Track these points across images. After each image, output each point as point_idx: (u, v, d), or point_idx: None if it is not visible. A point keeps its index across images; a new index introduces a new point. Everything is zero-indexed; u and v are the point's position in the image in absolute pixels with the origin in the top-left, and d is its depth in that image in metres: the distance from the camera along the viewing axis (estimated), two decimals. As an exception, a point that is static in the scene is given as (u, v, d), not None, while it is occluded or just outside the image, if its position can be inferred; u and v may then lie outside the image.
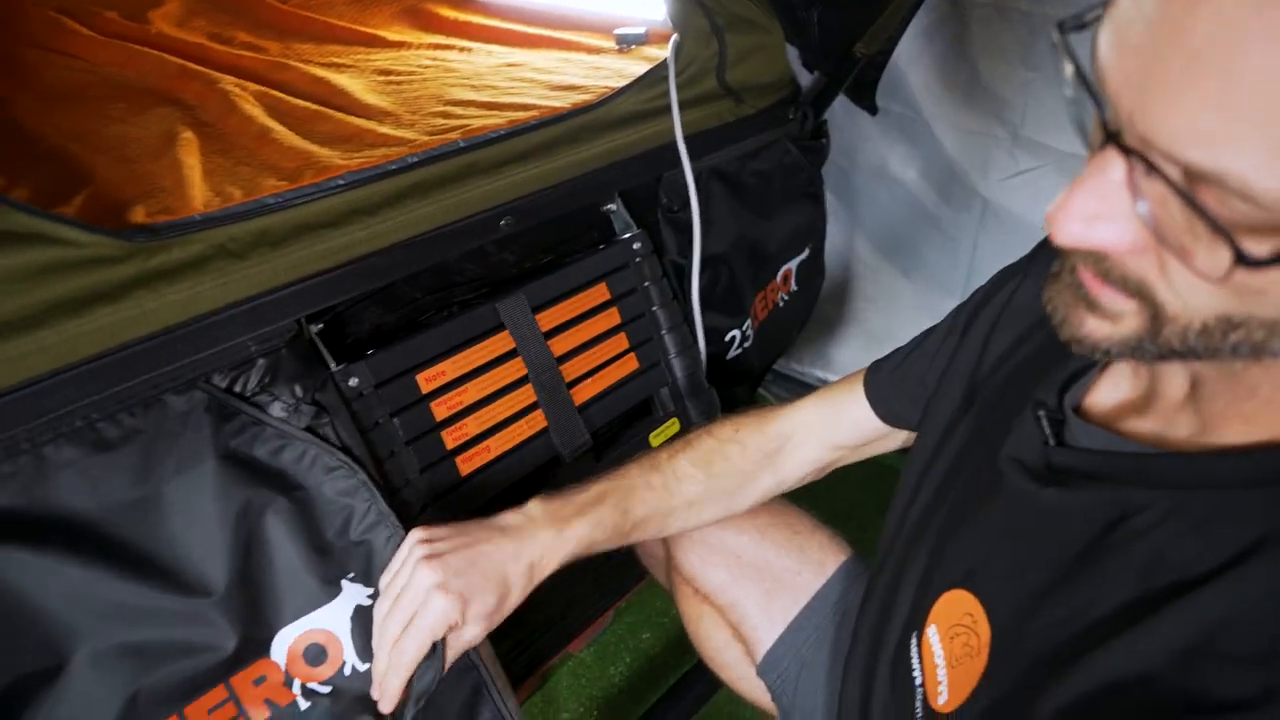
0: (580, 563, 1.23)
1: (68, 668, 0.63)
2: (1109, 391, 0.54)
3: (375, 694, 0.69)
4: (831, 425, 0.82)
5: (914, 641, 0.59)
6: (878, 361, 0.80)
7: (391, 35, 1.34)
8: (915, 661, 0.59)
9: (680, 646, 1.38)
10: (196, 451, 0.71)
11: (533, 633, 1.20)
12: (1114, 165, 0.38)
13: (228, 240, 0.73)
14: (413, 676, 0.67)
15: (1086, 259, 0.42)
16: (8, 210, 0.64)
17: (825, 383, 1.82)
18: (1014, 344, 0.64)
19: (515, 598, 0.70)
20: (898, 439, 0.81)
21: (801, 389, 1.88)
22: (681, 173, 1.07)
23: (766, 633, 0.89)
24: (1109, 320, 0.43)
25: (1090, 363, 0.56)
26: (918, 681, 0.58)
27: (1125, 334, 0.42)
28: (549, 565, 0.72)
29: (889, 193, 1.50)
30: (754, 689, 0.94)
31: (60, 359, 0.65)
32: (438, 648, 0.67)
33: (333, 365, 0.80)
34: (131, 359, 0.68)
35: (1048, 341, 0.61)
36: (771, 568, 0.90)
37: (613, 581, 1.35)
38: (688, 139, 1.05)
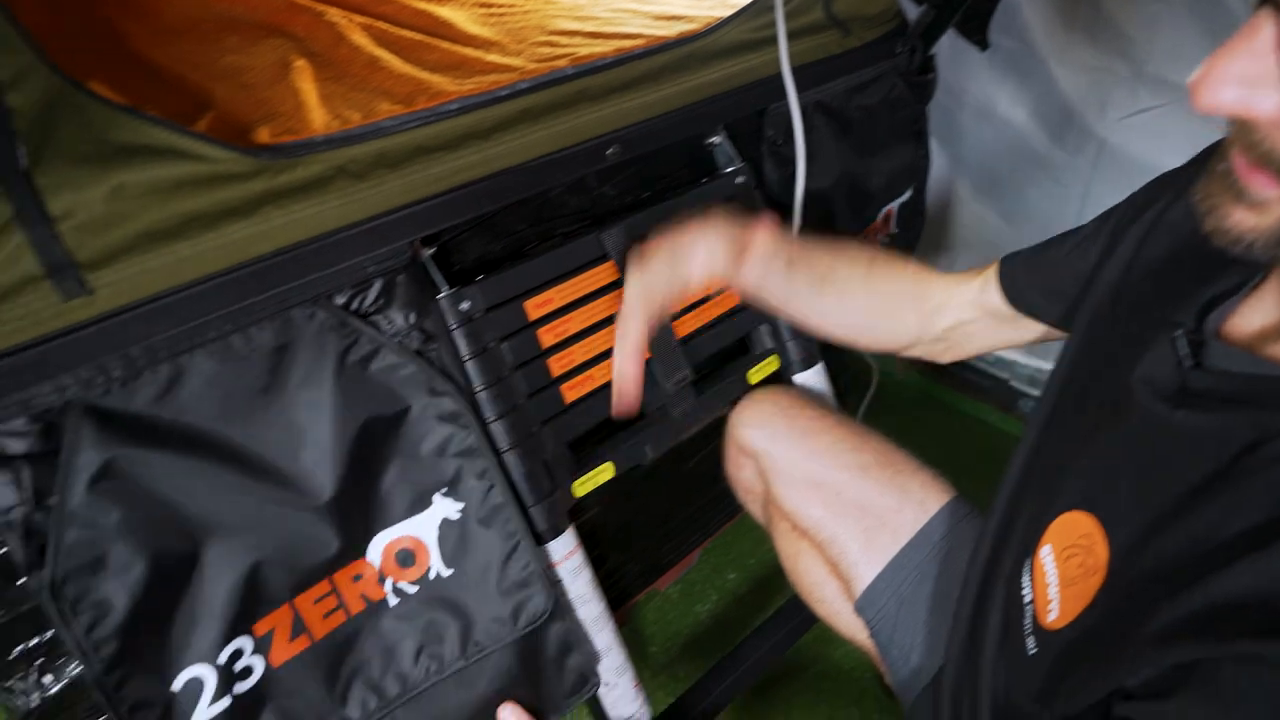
0: (672, 498, 1.24)
1: (202, 558, 0.67)
2: (1254, 316, 0.53)
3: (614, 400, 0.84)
4: (979, 299, 0.82)
5: (1027, 562, 0.59)
6: (1013, 252, 0.81)
7: (489, -30, 1.33)
8: (1026, 581, 0.59)
9: (766, 588, 1.38)
10: (318, 366, 0.73)
11: (623, 566, 1.22)
12: (1266, 27, 0.37)
13: (348, 161, 0.74)
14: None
15: (1237, 138, 0.42)
16: (147, 125, 0.66)
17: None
18: (1159, 262, 0.62)
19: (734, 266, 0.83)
20: (1022, 331, 0.81)
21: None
22: (786, 105, 1.04)
23: (866, 569, 0.88)
24: (1255, 211, 0.43)
25: (1234, 286, 0.54)
26: (1027, 599, 0.58)
27: (1270, 224, 0.42)
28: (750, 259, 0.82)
29: (995, 133, 1.44)
30: (850, 625, 0.94)
31: (196, 271, 0.67)
32: None
33: (445, 289, 0.81)
34: (260, 274, 0.70)
35: (1192, 262, 0.59)
36: (873, 505, 0.89)
37: (700, 521, 1.35)
38: (794, 71, 1.02)
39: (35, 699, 0.73)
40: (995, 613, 0.63)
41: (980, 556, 0.68)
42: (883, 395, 1.66)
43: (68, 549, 0.62)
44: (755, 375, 1.04)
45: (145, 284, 0.65)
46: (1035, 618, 0.56)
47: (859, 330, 0.88)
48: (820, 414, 0.98)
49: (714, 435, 1.10)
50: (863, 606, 0.89)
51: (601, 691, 0.92)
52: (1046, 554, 0.57)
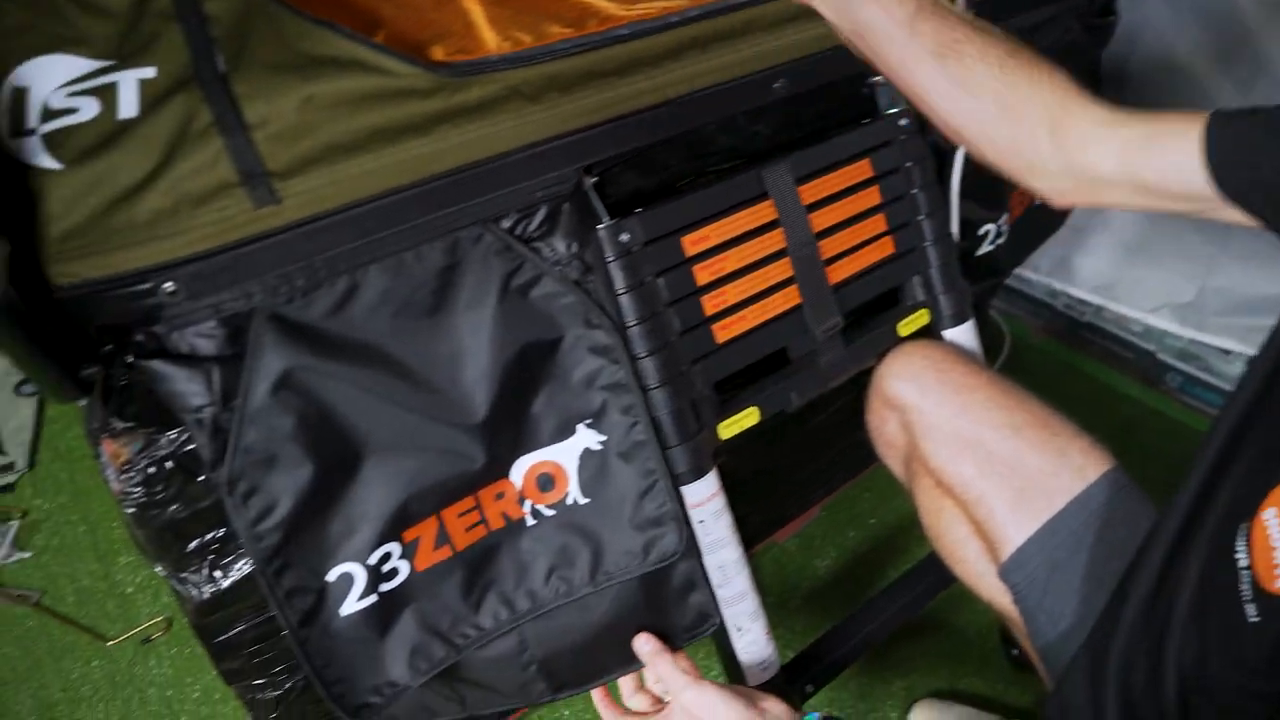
0: (797, 451, 1.22)
1: (363, 466, 0.68)
2: None
3: None
4: (1138, 151, 0.64)
5: (1242, 527, 0.55)
6: (1227, 111, 0.61)
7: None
8: (1242, 546, 0.55)
9: (887, 548, 1.35)
10: (482, 289, 0.73)
11: (745, 515, 1.21)
12: None
13: (521, 83, 0.73)
14: None
15: None
16: (337, 37, 0.66)
17: (1061, 295, 1.70)
18: None
19: None
20: (1203, 210, 0.64)
21: (1030, 303, 1.76)
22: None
23: (1015, 531, 0.85)
24: None
25: None
26: (1243, 564, 0.55)
27: None
28: None
29: (1170, 84, 1.33)
30: (991, 587, 0.91)
31: (377, 186, 0.67)
32: None
33: (605, 219, 0.80)
34: (435, 192, 0.70)
35: None
36: (1026, 467, 0.85)
37: (824, 476, 1.33)
38: (968, 7, 0.96)
39: (207, 591, 0.77)
40: (1188, 581, 0.60)
41: (1169, 524, 0.64)
42: (1015, 361, 1.60)
43: (245, 447, 0.64)
44: (905, 328, 1.00)
45: (329, 196, 0.65)
46: (1256, 582, 0.53)
47: (978, 128, 0.71)
48: (973, 370, 0.94)
49: (843, 391, 1.07)
50: (1009, 569, 0.85)
51: (734, 635, 0.92)
52: (1271, 517, 0.53)
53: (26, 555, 1.38)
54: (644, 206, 0.83)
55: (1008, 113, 0.68)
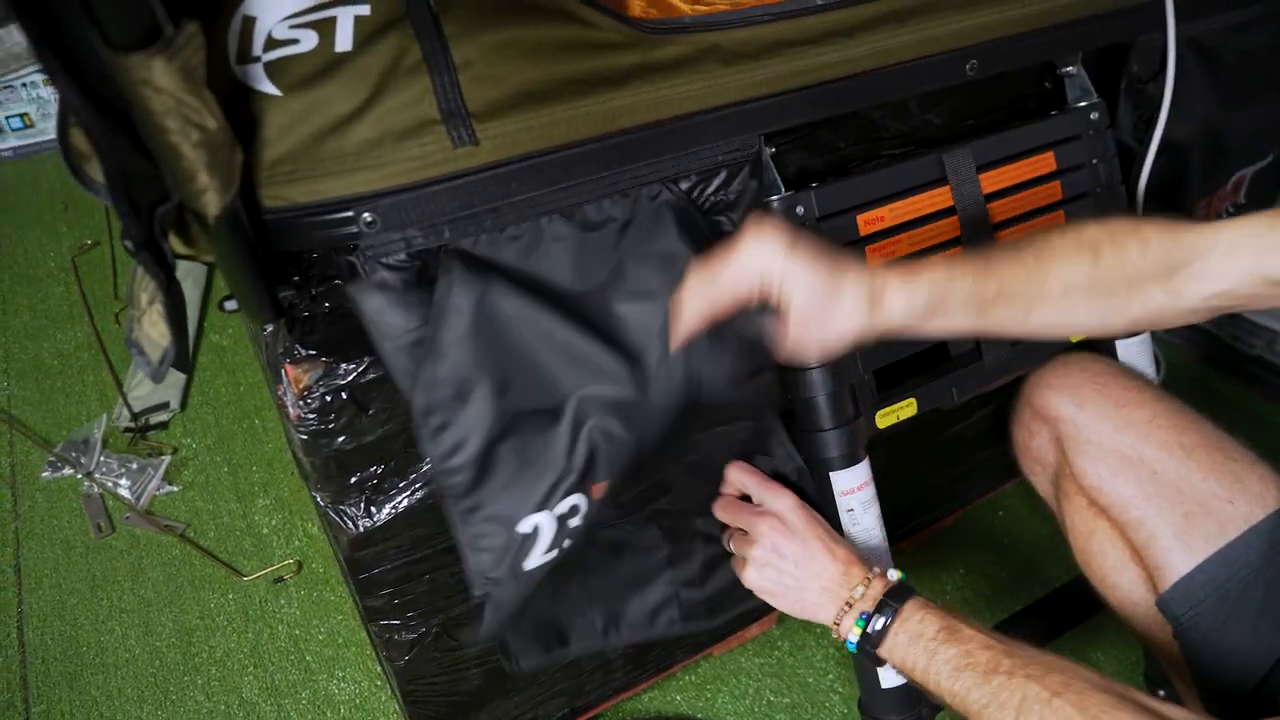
0: (934, 458, 1.18)
1: (563, 412, 0.68)
2: None
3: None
4: (1272, 250, 0.64)
5: None
6: None
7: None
8: None
9: (1020, 572, 1.29)
10: (656, 245, 0.73)
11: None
12: None
13: (714, 46, 0.72)
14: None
15: None
16: (541, -16, 0.67)
17: (1226, 324, 1.59)
18: None
19: (845, 325, 0.65)
20: None
21: (1193, 330, 1.66)
22: (1160, 38, 0.92)
23: (1180, 559, 0.79)
24: None
25: None
26: None
27: None
28: (896, 305, 0.65)
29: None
30: (1148, 618, 0.85)
31: (568, 135, 0.67)
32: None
33: (781, 190, 0.78)
34: (623, 147, 0.69)
35: None
36: (1196, 490, 0.79)
37: (958, 489, 1.28)
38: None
39: (361, 525, 0.78)
40: None
41: None
42: (1169, 389, 1.49)
43: (439, 380, 0.65)
44: (1077, 333, 0.95)
45: (523, 142, 0.66)
46: None
47: (1094, 332, 0.76)
48: (1137, 385, 0.88)
49: (986, 400, 1.01)
50: (1172, 599, 0.79)
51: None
52: None
53: (175, 489, 1.45)
54: (818, 182, 0.82)
55: (1115, 311, 0.68)
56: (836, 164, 0.89)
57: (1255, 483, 0.78)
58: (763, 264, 0.64)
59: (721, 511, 0.82)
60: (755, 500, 0.79)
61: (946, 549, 1.31)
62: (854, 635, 0.71)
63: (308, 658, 1.21)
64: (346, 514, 0.78)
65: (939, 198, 0.86)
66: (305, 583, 1.31)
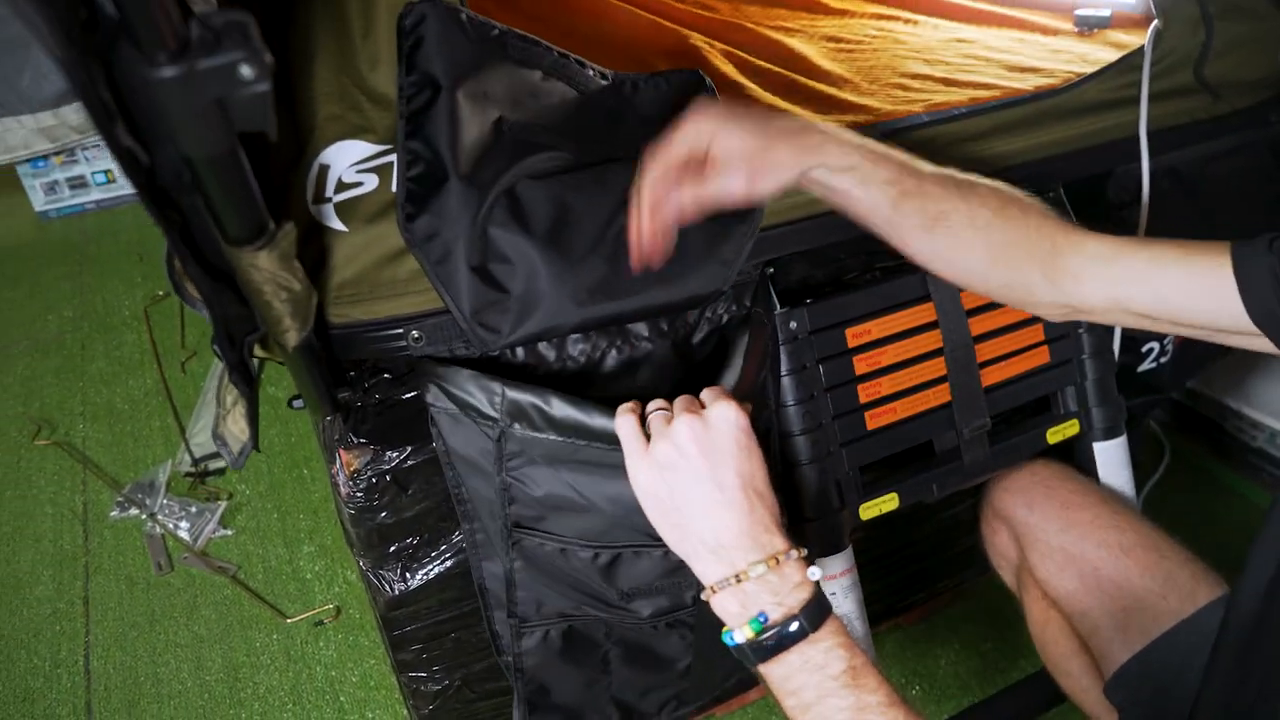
0: (932, 539, 1.25)
1: None
2: None
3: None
4: (1143, 284, 0.67)
5: None
6: (1250, 242, 0.63)
7: (834, 2, 1.39)
8: None
9: (1014, 649, 1.35)
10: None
11: (873, 595, 1.24)
12: None
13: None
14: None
15: None
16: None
17: (1231, 417, 1.64)
18: None
19: (786, 160, 0.67)
20: (1247, 341, 0.65)
21: (1196, 419, 1.71)
22: (1135, 169, 1.01)
23: (1120, 649, 0.86)
24: None
25: None
26: None
27: None
28: (824, 157, 0.68)
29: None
30: (1096, 705, 0.92)
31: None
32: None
33: (778, 308, 0.88)
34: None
35: None
36: (1133, 587, 0.87)
37: (955, 568, 1.35)
38: (1150, 135, 0.99)
39: (397, 588, 0.89)
40: None
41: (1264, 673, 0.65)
42: (1173, 478, 1.56)
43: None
44: (1054, 435, 1.03)
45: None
46: None
47: (975, 279, 0.74)
48: (1082, 489, 0.97)
49: (980, 487, 1.09)
50: (1113, 687, 0.87)
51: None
52: None
53: (229, 533, 1.58)
54: (814, 298, 0.91)
55: (1000, 264, 0.72)
56: (836, 275, 0.99)
57: (1187, 580, 0.86)
58: (699, 127, 0.67)
59: (675, 403, 0.67)
60: (703, 400, 0.66)
61: (943, 624, 1.38)
62: (741, 635, 0.58)
63: (342, 698, 1.32)
64: (385, 578, 0.89)
65: (923, 313, 0.95)
66: (343, 627, 1.42)
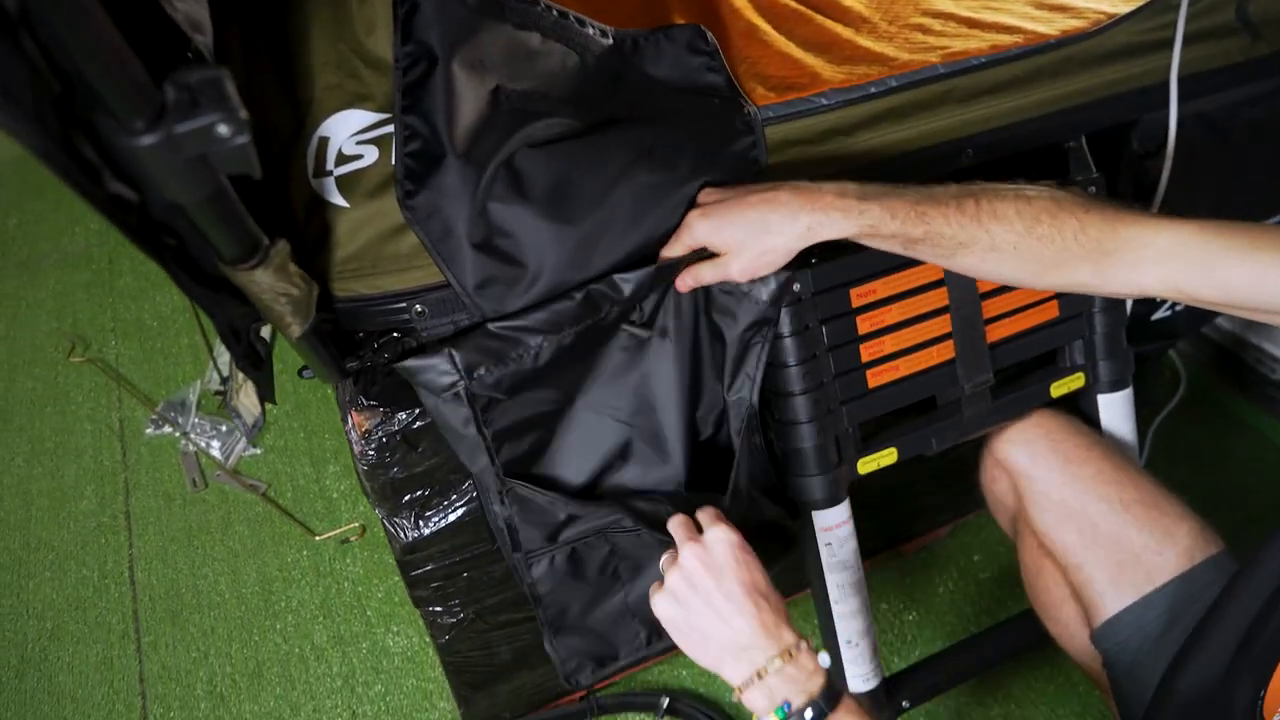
0: (931, 474, 1.28)
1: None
2: None
3: None
4: (1205, 273, 0.69)
5: None
6: None
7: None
8: None
9: (1011, 579, 1.39)
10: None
11: (875, 528, 1.28)
12: None
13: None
14: None
15: None
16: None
17: (1252, 348, 1.63)
18: None
19: (779, 247, 0.75)
20: None
21: (1215, 350, 1.69)
22: (1163, 116, 0.98)
23: (1112, 601, 0.89)
24: None
25: None
26: None
27: None
28: (827, 234, 0.74)
29: None
30: (1082, 651, 0.96)
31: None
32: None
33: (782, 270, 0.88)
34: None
35: None
36: (1130, 542, 0.89)
37: (957, 503, 1.38)
38: (1182, 80, 0.95)
39: (410, 536, 0.94)
40: None
41: (1267, 636, 0.68)
42: (1188, 409, 1.55)
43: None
44: (1058, 389, 1.03)
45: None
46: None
47: (1019, 284, 0.80)
48: (1087, 444, 0.97)
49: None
50: (1101, 636, 0.90)
51: (843, 646, 1.01)
52: None
53: (258, 452, 1.65)
54: (818, 257, 0.91)
55: (1043, 275, 0.75)
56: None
57: (1184, 537, 0.88)
58: (694, 234, 0.76)
59: (672, 527, 0.76)
60: (704, 524, 0.74)
61: (943, 554, 1.43)
62: None
63: (369, 613, 1.41)
64: (399, 525, 0.94)
65: (929, 271, 0.94)
66: (368, 545, 1.50)
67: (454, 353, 0.75)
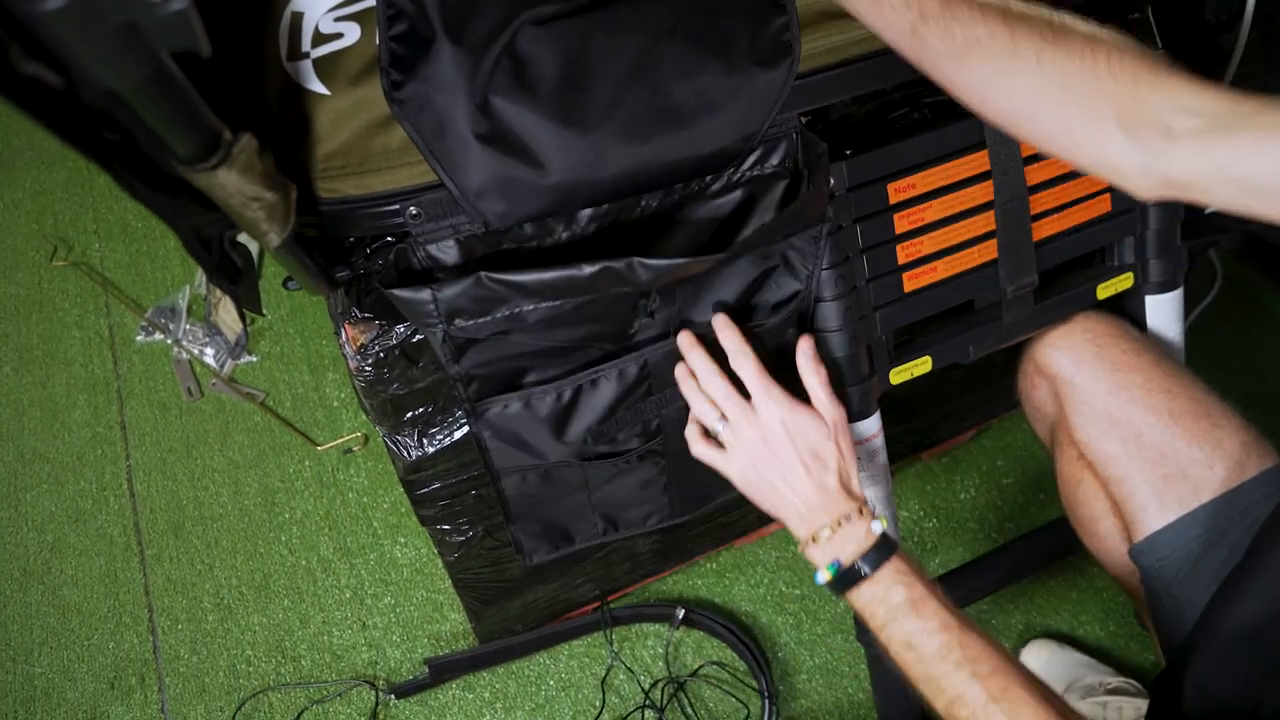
0: (959, 378, 1.22)
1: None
2: None
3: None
4: (1261, 160, 0.50)
5: None
6: None
7: None
8: None
9: (1034, 484, 1.36)
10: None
11: (898, 436, 1.23)
12: None
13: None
14: None
15: None
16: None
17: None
18: None
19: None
20: None
21: (1254, 242, 1.61)
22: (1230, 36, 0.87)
23: (1155, 515, 0.84)
24: None
25: None
26: None
27: None
28: None
29: None
30: (1120, 565, 0.92)
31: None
32: None
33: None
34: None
35: None
36: (1177, 455, 0.83)
37: (983, 407, 1.33)
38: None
39: (414, 454, 0.89)
40: None
41: None
42: (1222, 305, 1.48)
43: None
44: (1105, 290, 0.96)
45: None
46: None
47: (1021, 119, 0.61)
48: (1135, 349, 0.90)
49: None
50: (1141, 551, 0.86)
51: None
52: None
53: (254, 359, 1.59)
54: (853, 149, 0.82)
55: (1055, 103, 0.58)
56: (880, 111, 0.89)
57: (1236, 450, 0.82)
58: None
59: (711, 384, 0.77)
60: (753, 392, 0.76)
61: (965, 459, 1.38)
62: (822, 577, 0.74)
63: (374, 524, 1.37)
64: (402, 444, 0.88)
65: (975, 162, 0.85)
66: (371, 455, 1.45)
67: (437, 294, 0.68)
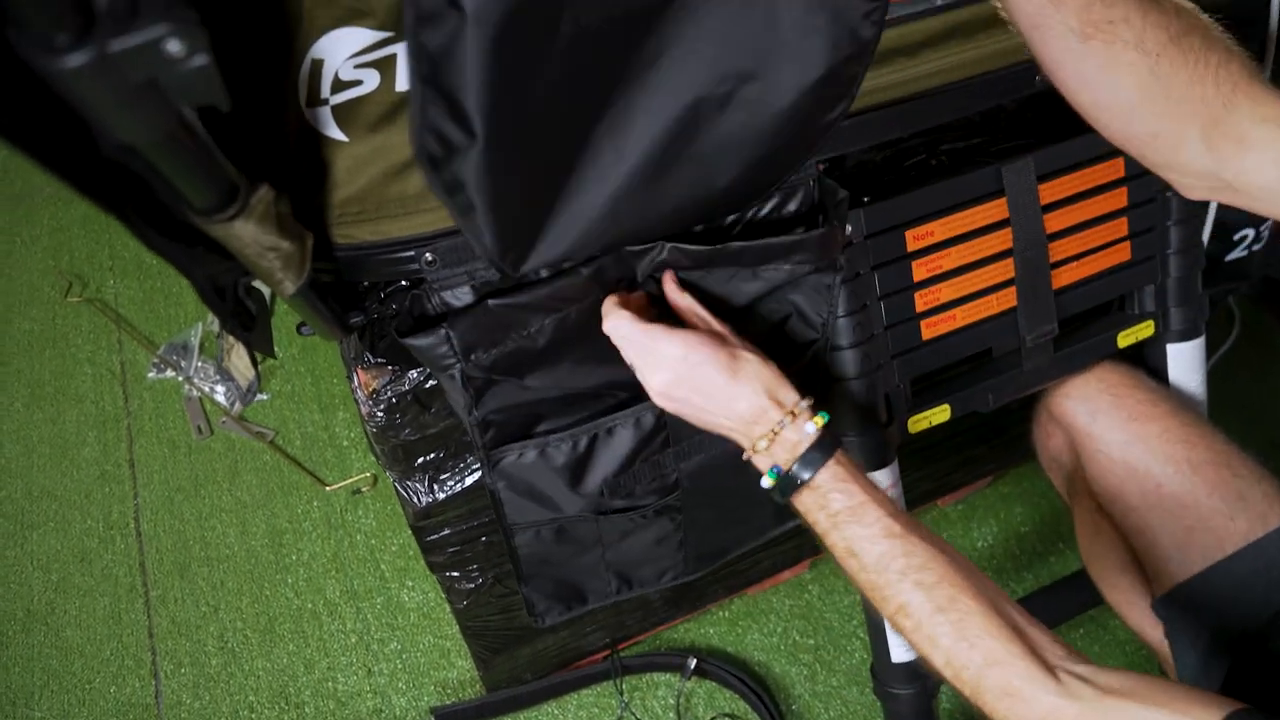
0: (976, 425, 1.20)
1: None
2: None
3: None
4: None
5: None
6: None
7: None
8: None
9: (1052, 531, 1.33)
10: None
11: (914, 482, 1.21)
12: None
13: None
14: None
15: None
16: None
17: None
18: None
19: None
20: None
21: (1272, 288, 1.59)
22: (1260, 30, 0.87)
23: (1178, 569, 0.82)
24: None
25: None
26: None
27: None
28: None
29: None
30: (1141, 620, 0.90)
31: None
32: None
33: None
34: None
35: None
36: (1198, 506, 0.82)
37: (1001, 454, 1.31)
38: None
39: (424, 500, 0.87)
40: None
41: None
42: (1240, 351, 1.46)
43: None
44: (1125, 338, 0.95)
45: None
46: None
47: (1113, 117, 0.61)
48: (1152, 399, 0.89)
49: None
50: (1165, 604, 0.84)
51: (887, 620, 0.95)
52: None
53: (265, 397, 1.58)
54: (871, 196, 0.82)
55: (1154, 106, 0.58)
56: (898, 159, 0.89)
57: (1259, 501, 0.81)
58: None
59: (623, 345, 0.71)
60: (639, 342, 0.70)
61: (982, 507, 1.36)
62: (765, 482, 0.69)
63: (382, 566, 1.36)
64: (413, 489, 0.87)
65: (993, 210, 0.85)
66: (380, 496, 1.44)
67: (450, 333, 0.68)
